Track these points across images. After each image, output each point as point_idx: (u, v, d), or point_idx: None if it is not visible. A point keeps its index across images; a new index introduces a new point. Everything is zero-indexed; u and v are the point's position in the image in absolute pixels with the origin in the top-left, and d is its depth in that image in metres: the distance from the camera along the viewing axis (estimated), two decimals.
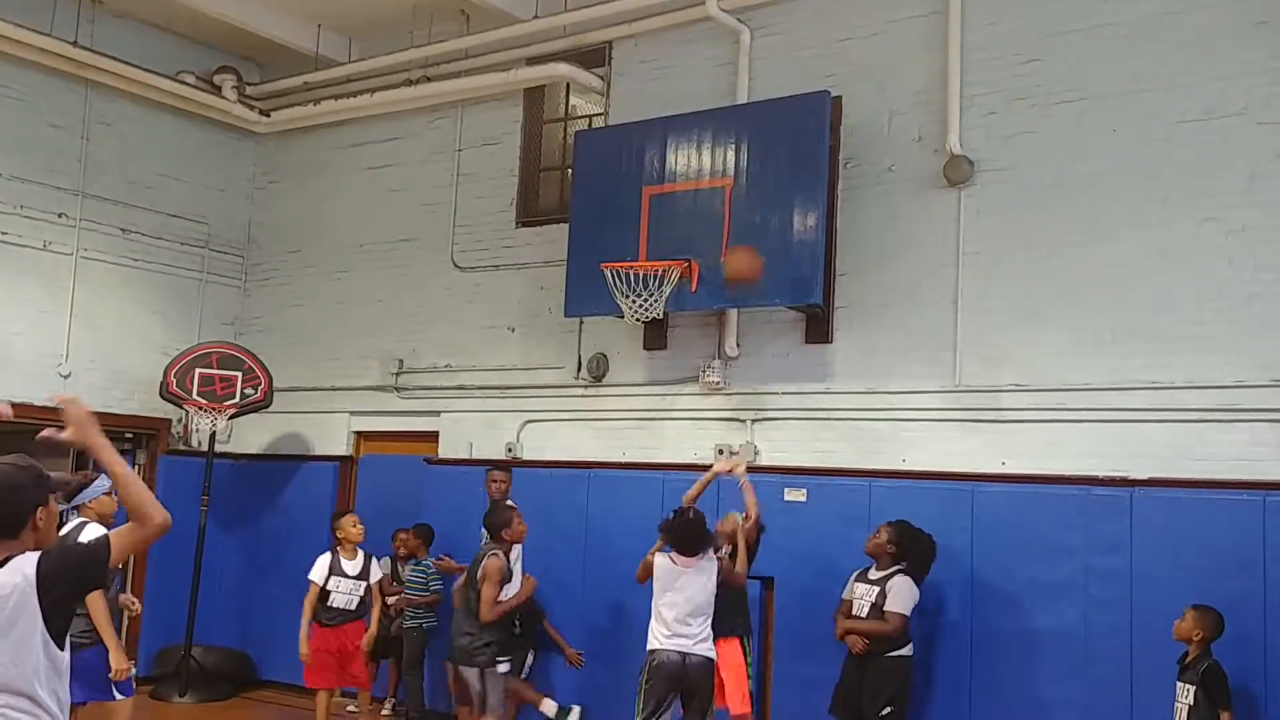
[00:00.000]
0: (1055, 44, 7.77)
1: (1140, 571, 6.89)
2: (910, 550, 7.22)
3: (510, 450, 9.77)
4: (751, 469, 8.52)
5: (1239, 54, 7.14)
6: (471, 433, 10.06)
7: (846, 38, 8.63)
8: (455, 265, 10.46)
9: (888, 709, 6.97)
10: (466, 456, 9.96)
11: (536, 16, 9.98)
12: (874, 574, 7.29)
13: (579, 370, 9.62)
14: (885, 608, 7.07)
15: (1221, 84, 7.17)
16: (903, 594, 7.09)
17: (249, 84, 11.55)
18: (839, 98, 8.45)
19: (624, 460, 9.18)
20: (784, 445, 8.57)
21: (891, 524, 7.33)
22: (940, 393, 7.96)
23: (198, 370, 10.30)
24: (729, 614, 7.30)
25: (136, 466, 11.01)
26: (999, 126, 7.92)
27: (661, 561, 7.02)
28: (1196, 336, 7.06)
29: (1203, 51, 7.25)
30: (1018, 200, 7.80)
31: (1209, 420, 6.96)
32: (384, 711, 9.74)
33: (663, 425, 9.14)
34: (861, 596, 7.24)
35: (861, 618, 7.17)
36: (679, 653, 6.86)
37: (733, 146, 8.43)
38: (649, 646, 6.98)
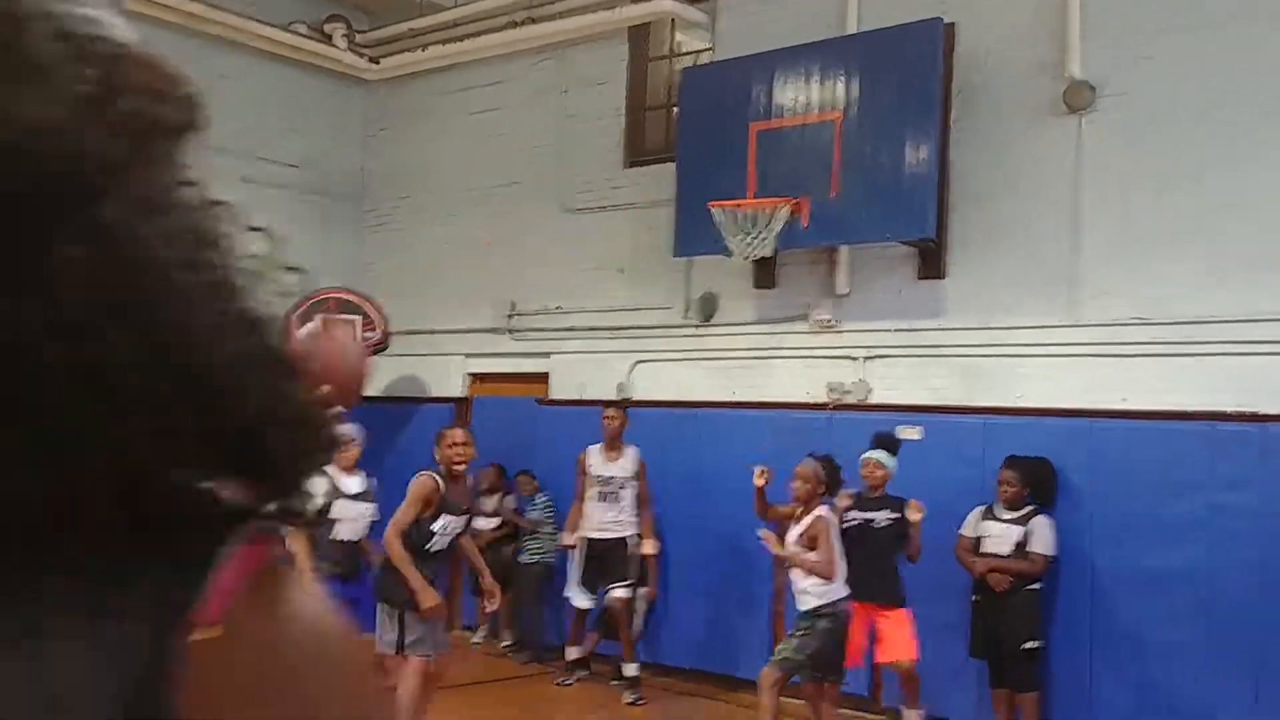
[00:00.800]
0: None
1: (1270, 509, 6.68)
2: (1040, 485, 7.21)
3: (621, 390, 9.84)
4: (863, 406, 8.49)
5: None
6: (582, 373, 10.16)
7: None
8: (563, 207, 10.51)
9: (1033, 642, 7.01)
10: (578, 397, 10.07)
11: None
12: (1006, 514, 7.24)
13: (687, 310, 9.62)
14: (1031, 548, 7.07)
15: None
16: (1046, 534, 7.15)
17: (358, 31, 11.69)
18: (952, 25, 8.21)
19: (734, 399, 9.18)
20: (896, 383, 8.48)
21: (1011, 464, 7.24)
22: (1057, 328, 7.77)
23: (318, 315, 10.56)
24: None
25: None
26: (1123, 50, 7.62)
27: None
28: None
29: None
30: (1140, 127, 7.52)
31: None
32: (474, 641, 10.03)
33: (771, 364, 9.10)
34: (998, 535, 7.21)
35: (1001, 555, 7.16)
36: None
37: (842, 79, 8.28)
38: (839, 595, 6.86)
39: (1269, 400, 6.85)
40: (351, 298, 10.82)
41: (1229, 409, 6.96)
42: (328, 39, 11.37)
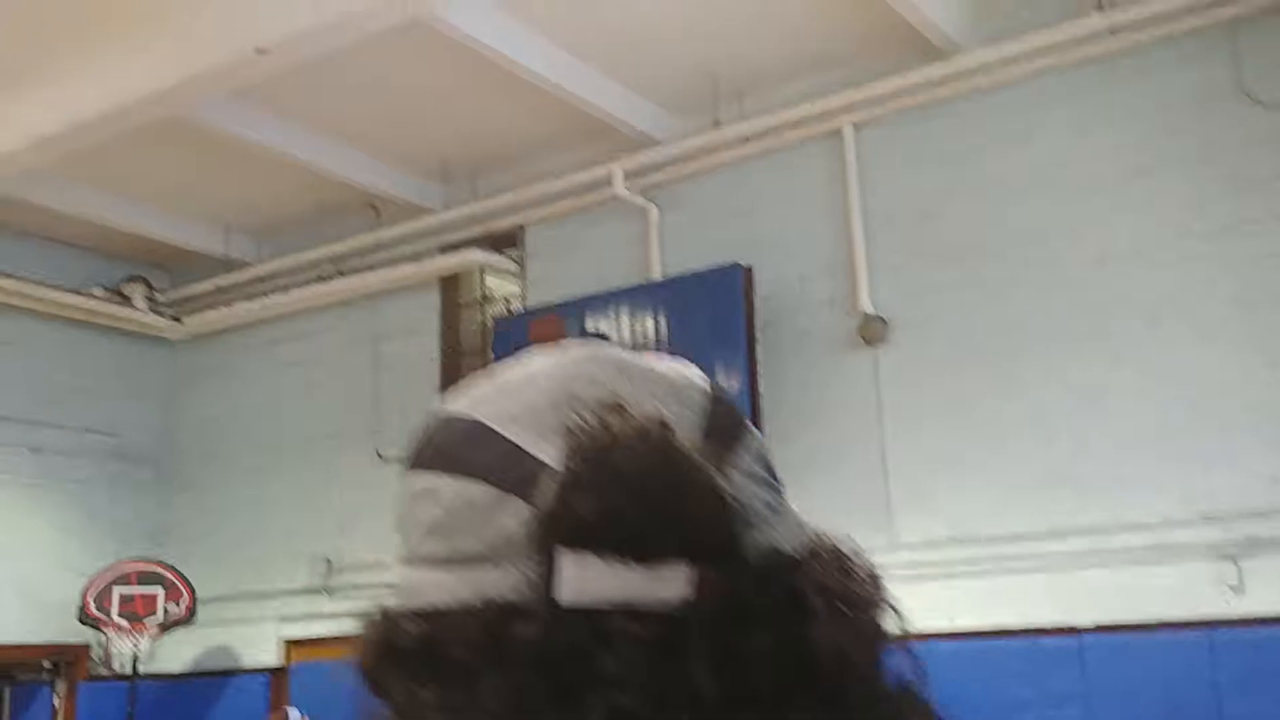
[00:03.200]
0: (951, 202, 8.03)
1: None
2: None
3: None
4: None
5: (1124, 202, 7.43)
6: None
7: (751, 208, 8.85)
8: (380, 457, 10.31)
9: None
10: None
11: (446, 207, 10.10)
12: None
13: None
14: None
15: (1111, 231, 7.45)
16: None
17: (159, 291, 11.48)
18: (750, 268, 8.61)
19: None
20: None
21: None
22: (879, 552, 7.86)
23: (116, 590, 9.91)
24: None
25: (55, 697, 10.49)
26: (907, 285, 8.11)
27: None
28: (1118, 478, 7.15)
29: (1091, 201, 7.54)
30: (932, 355, 7.95)
31: (1144, 561, 7.00)
32: None
33: None
34: None
35: None
36: None
37: (651, 322, 8.52)
38: None
39: (1083, 612, 7.07)
40: (153, 568, 10.23)
41: (1047, 624, 7.15)
42: (127, 300, 11.11)
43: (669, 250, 9.14)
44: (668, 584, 0.59)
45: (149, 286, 11.28)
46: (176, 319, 11.34)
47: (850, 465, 8.11)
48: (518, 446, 0.66)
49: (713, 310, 8.32)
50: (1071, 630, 7.04)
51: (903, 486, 7.90)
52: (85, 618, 9.92)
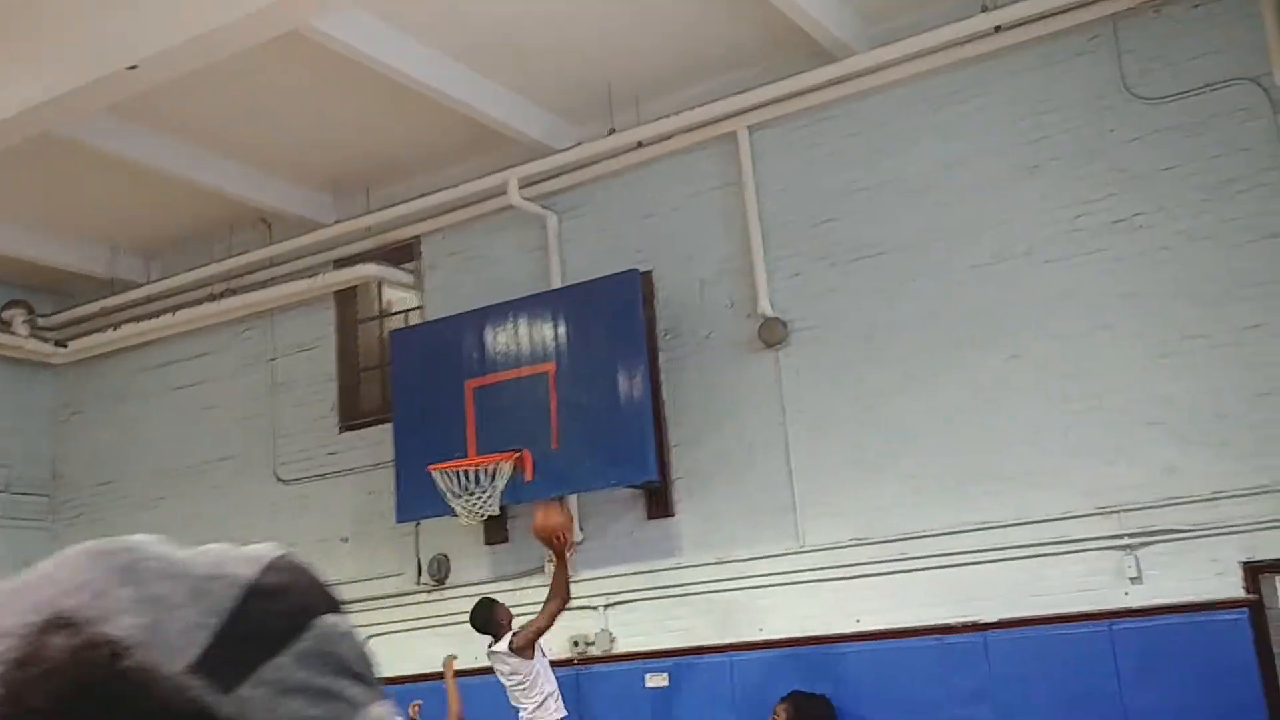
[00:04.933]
0: (847, 203, 8.04)
1: (1005, 718, 6.85)
2: None
3: None
4: (609, 657, 8.28)
5: (1017, 199, 7.50)
6: None
7: (649, 214, 8.78)
8: (278, 479, 10.04)
9: None
10: None
11: (340, 220, 9.87)
12: None
13: (420, 574, 9.25)
14: None
15: (1005, 228, 7.51)
16: None
17: (41, 315, 11.05)
18: (649, 272, 8.54)
19: (474, 665, 8.76)
20: (641, 628, 8.35)
21: (786, 699, 7.17)
22: (786, 555, 7.90)
23: None
24: None
25: None
26: (805, 286, 8.11)
27: None
28: (1020, 473, 7.21)
29: (984, 199, 7.60)
30: (833, 356, 7.94)
31: (1045, 554, 7.07)
32: None
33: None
34: None
35: None
36: None
37: (551, 330, 8.41)
38: None
39: (987, 608, 7.12)
40: None
41: (954, 621, 7.18)
42: (7, 326, 10.67)
43: (569, 258, 9.03)
44: None
45: (30, 311, 10.85)
46: (61, 344, 10.92)
47: (755, 469, 8.08)
48: None
49: (613, 317, 8.23)
50: (976, 626, 7.08)
51: (807, 489, 7.88)
52: None
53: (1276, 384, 6.66)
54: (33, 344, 10.74)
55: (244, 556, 0.58)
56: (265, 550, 0.59)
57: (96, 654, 0.49)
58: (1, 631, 0.52)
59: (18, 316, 10.71)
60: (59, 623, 0.50)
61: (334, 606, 0.59)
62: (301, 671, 0.55)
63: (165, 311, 10.53)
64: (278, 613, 0.56)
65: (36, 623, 0.51)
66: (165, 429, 10.75)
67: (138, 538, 0.58)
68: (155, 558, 0.57)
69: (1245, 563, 6.60)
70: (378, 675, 0.59)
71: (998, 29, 7.53)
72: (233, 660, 0.52)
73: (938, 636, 7.17)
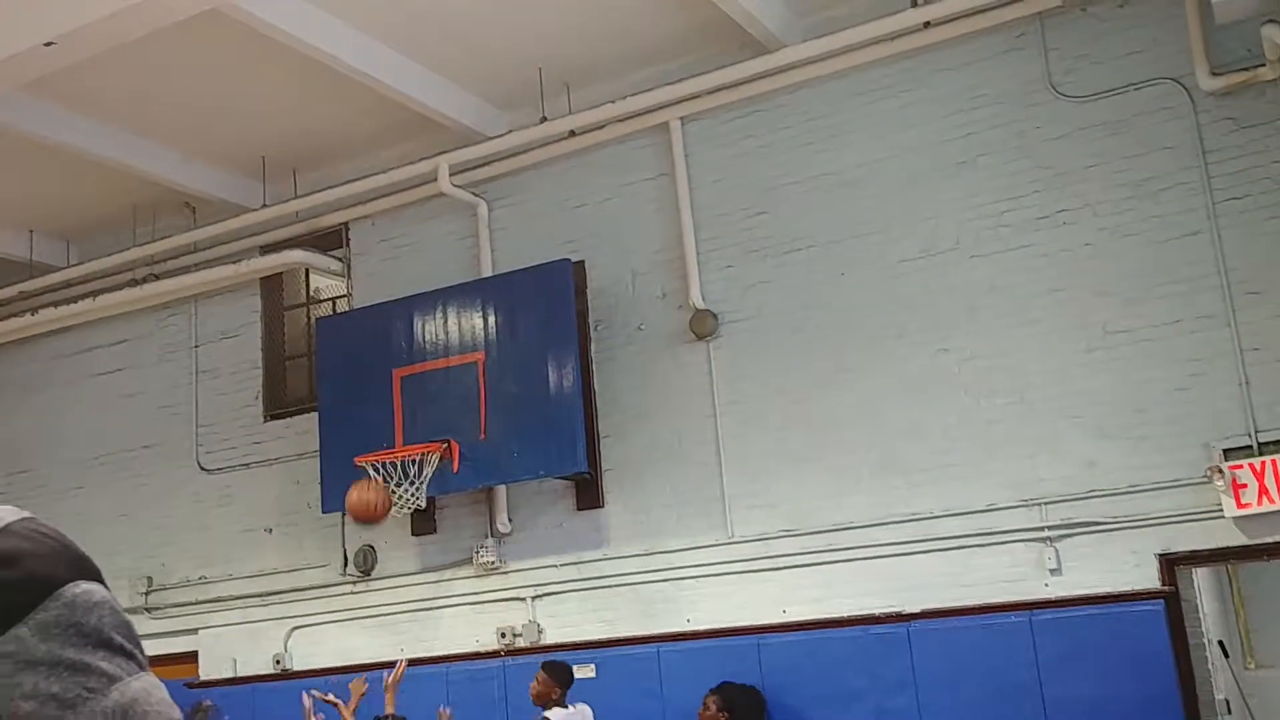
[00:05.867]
0: (778, 196, 8.05)
1: (927, 708, 6.91)
2: (746, 712, 7.09)
3: (279, 662, 9.11)
4: (537, 649, 8.23)
5: (945, 194, 7.56)
6: (234, 648, 9.35)
7: (581, 204, 8.73)
8: (201, 468, 9.85)
9: None
10: (231, 676, 9.23)
11: (266, 205, 9.70)
12: None
13: (345, 565, 9.12)
14: None
15: (933, 223, 7.56)
16: None
17: None
18: (581, 262, 8.49)
19: (401, 657, 8.66)
20: (567, 620, 8.31)
21: (715, 690, 7.15)
22: (715, 546, 7.90)
23: None
24: None
25: None
26: (737, 279, 8.11)
27: None
28: (946, 465, 7.28)
29: (912, 194, 7.65)
30: (763, 348, 7.95)
31: (969, 546, 7.14)
32: None
33: (439, 615, 8.72)
34: None
35: None
36: None
37: (481, 320, 8.32)
38: None
39: (912, 598, 7.18)
40: None
41: (877, 611, 7.23)
42: None
43: (499, 247, 8.95)
44: None
45: None
46: None
47: (686, 461, 8.07)
48: None
49: (544, 306, 8.17)
50: (900, 617, 7.14)
51: (737, 481, 7.89)
52: None
53: (1194, 379, 6.78)
54: None
55: None
56: (2, 513, 0.53)
57: None
58: None
59: None
60: None
61: (85, 574, 0.53)
62: (44, 644, 0.50)
63: (85, 296, 10.28)
64: (12, 582, 0.51)
65: None
66: (84, 417, 10.51)
67: None
68: None
69: (1162, 555, 6.72)
70: (139, 646, 0.53)
71: (927, 25, 7.58)
72: None
73: (863, 627, 7.22)
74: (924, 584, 7.18)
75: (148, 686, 0.51)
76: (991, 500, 7.13)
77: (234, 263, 9.74)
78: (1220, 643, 8.09)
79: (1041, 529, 6.99)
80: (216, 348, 10.03)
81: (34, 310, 10.44)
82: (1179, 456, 6.73)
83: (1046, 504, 7.00)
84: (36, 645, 0.49)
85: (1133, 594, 6.69)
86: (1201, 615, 6.96)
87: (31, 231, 10.40)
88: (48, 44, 6.67)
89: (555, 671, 7.00)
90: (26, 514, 0.53)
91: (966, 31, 7.53)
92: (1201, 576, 7.37)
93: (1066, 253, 7.22)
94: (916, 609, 7.13)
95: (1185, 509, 6.68)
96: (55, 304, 10.40)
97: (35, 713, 0.48)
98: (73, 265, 10.52)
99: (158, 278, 10.11)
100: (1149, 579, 6.72)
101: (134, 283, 10.16)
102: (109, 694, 0.50)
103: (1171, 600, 6.61)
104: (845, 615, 7.33)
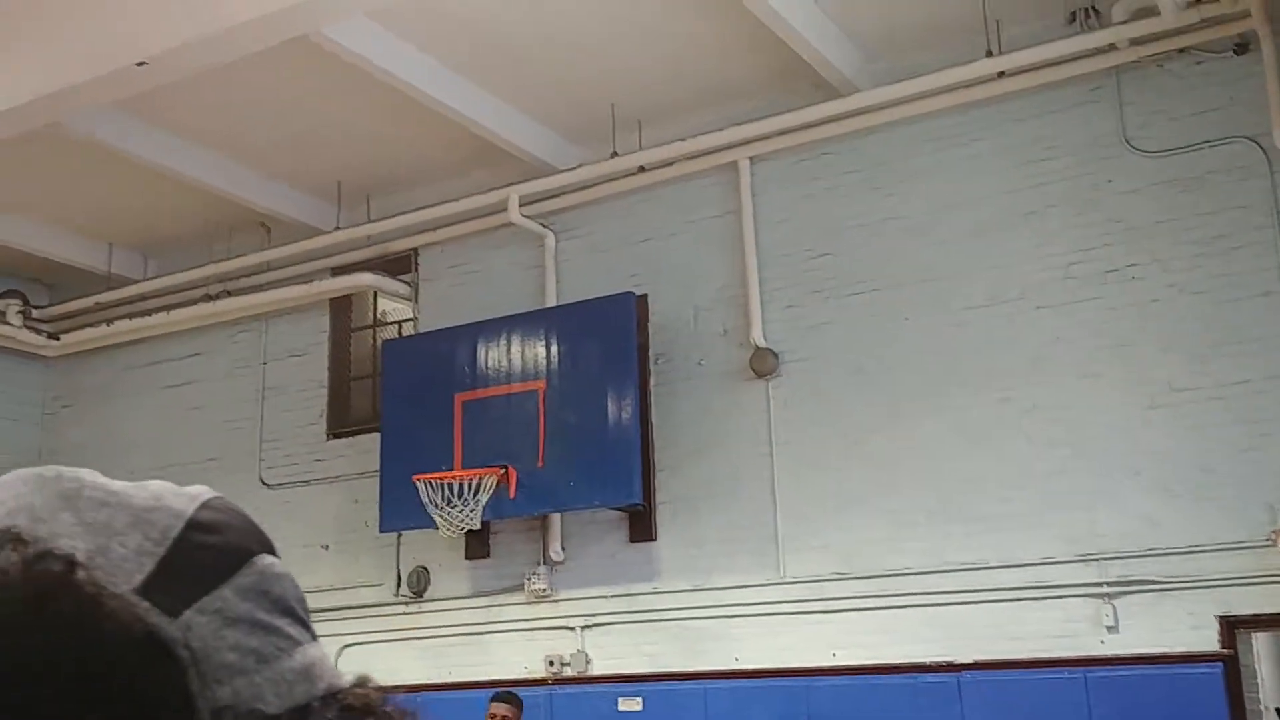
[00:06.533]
0: (843, 238, 8.09)
1: None
2: None
3: None
4: (583, 679, 8.26)
5: (1012, 243, 7.55)
6: None
7: (647, 239, 8.82)
8: (263, 483, 10.02)
9: None
10: None
11: (339, 228, 9.90)
12: None
13: (399, 586, 9.22)
14: None
15: (999, 271, 7.55)
16: None
17: (36, 307, 11.05)
18: (644, 296, 8.57)
19: (449, 680, 8.74)
20: (616, 651, 8.33)
21: None
22: (766, 585, 7.89)
23: None
24: None
25: None
26: (799, 319, 8.14)
27: None
28: (1003, 515, 7.22)
29: (979, 241, 7.64)
30: (823, 389, 7.96)
31: (1024, 599, 7.07)
32: None
33: (488, 640, 8.78)
34: None
35: None
36: None
37: (543, 349, 8.42)
38: None
39: (964, 648, 7.12)
40: None
41: (929, 660, 7.18)
42: (1, 316, 10.67)
43: (564, 278, 9.06)
44: None
45: (25, 302, 10.85)
46: (54, 336, 10.92)
47: (740, 499, 8.09)
48: None
49: (605, 338, 8.25)
50: (952, 667, 7.08)
51: (791, 521, 7.88)
52: None
53: (1260, 440, 6.69)
54: (26, 335, 10.75)
55: (182, 493, 0.60)
56: (200, 490, 0.61)
57: (49, 565, 0.49)
58: None
59: (12, 307, 10.71)
60: (7, 536, 0.51)
61: (269, 548, 0.60)
62: (243, 604, 0.56)
63: (160, 310, 10.54)
64: (217, 547, 0.58)
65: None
66: (152, 427, 10.74)
67: (77, 469, 0.60)
68: (95, 487, 0.58)
69: (1222, 617, 6.61)
70: (310, 618, 0.60)
71: (1002, 74, 7.60)
72: (176, 588, 0.54)
73: (912, 675, 7.16)
74: (977, 634, 7.12)
75: (322, 653, 0.58)
76: (1048, 553, 7.07)
77: (305, 283, 9.95)
78: (1277, 709, 7.92)
79: (1099, 585, 6.91)
80: (284, 365, 10.23)
81: (109, 321, 10.73)
82: (1242, 518, 6.64)
83: (1105, 559, 6.92)
84: (238, 604, 0.55)
85: (1190, 656, 6.59)
86: (1260, 680, 6.83)
87: (111, 244, 10.69)
88: (140, 64, 6.90)
89: (516, 700, 7.10)
90: (218, 493, 0.61)
91: (1041, 83, 7.54)
92: (1260, 641, 7.23)
93: (1134, 307, 7.17)
94: (968, 659, 7.07)
95: (1246, 571, 6.58)
96: (130, 316, 10.67)
97: (238, 663, 0.53)
98: (149, 279, 10.78)
99: (230, 294, 10.34)
100: (1207, 641, 6.61)
101: (207, 298, 10.40)
102: (294, 655, 0.56)
103: (1230, 664, 6.49)
104: (896, 662, 7.28)
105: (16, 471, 0.59)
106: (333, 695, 0.57)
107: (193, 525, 0.58)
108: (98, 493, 0.58)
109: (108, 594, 0.50)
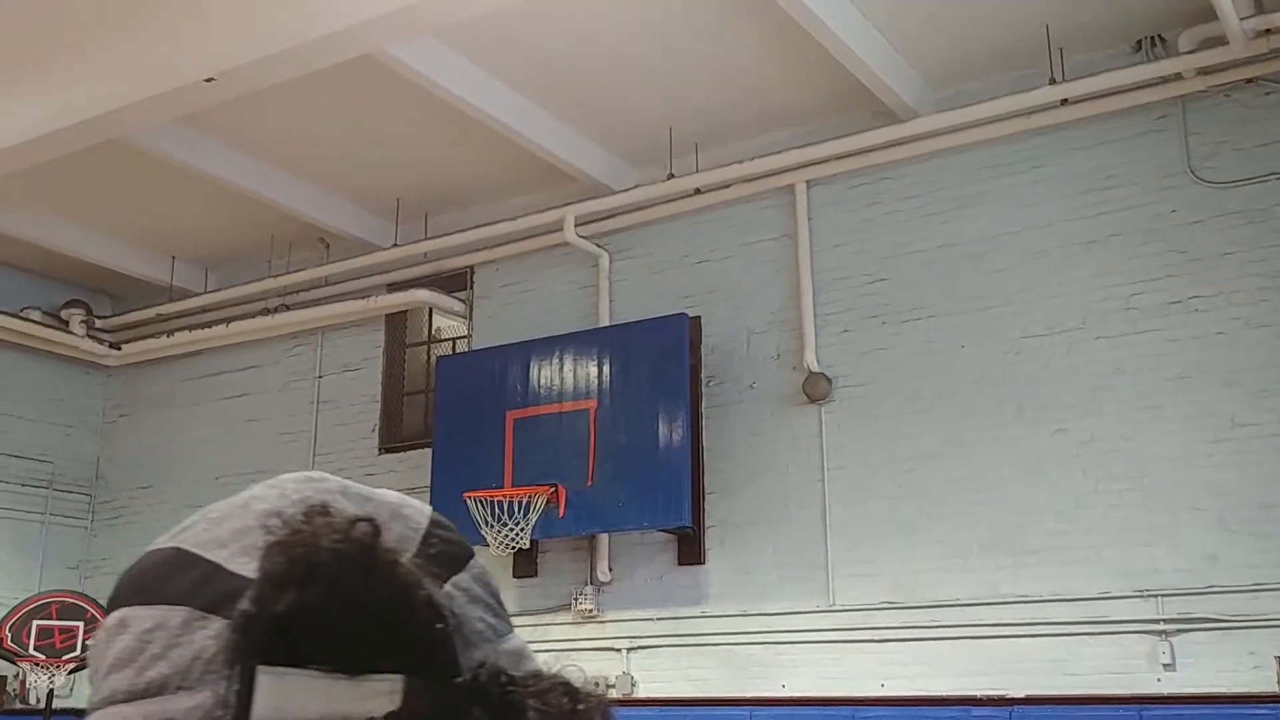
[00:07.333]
0: (900, 264, 8.04)
1: None
2: None
3: None
4: (628, 701, 8.22)
5: (1072, 272, 7.46)
6: None
7: (702, 260, 8.82)
8: None
9: None
10: None
11: (396, 244, 9.99)
12: None
13: None
14: None
15: (1059, 300, 7.46)
16: None
17: (99, 317, 11.26)
18: (698, 318, 8.56)
19: None
20: (661, 674, 8.29)
21: None
22: (815, 613, 7.83)
23: (35, 622, 9.58)
24: None
25: None
26: (853, 344, 8.09)
27: None
28: (1059, 548, 7.12)
29: (1039, 270, 7.56)
30: (876, 415, 7.90)
31: (1078, 634, 6.95)
32: None
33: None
34: None
35: None
36: None
37: (595, 368, 8.44)
38: None
39: (1017, 682, 7.00)
40: (75, 601, 9.92)
41: (979, 693, 7.07)
42: (64, 325, 10.88)
43: (618, 298, 9.07)
44: (375, 699, 0.53)
45: (88, 312, 11.06)
46: (115, 346, 11.11)
47: (790, 524, 8.03)
48: (220, 567, 0.61)
49: (658, 359, 8.25)
50: (1003, 700, 6.96)
51: (842, 547, 7.82)
52: (2, 650, 9.59)
53: None
54: (88, 344, 10.94)
55: (414, 502, 0.70)
56: (423, 504, 0.71)
57: (362, 528, 0.55)
58: (270, 511, 0.60)
59: (75, 316, 10.91)
60: (319, 509, 0.57)
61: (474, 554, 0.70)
62: (478, 588, 0.66)
63: (219, 322, 10.69)
64: (455, 542, 0.67)
65: (297, 510, 0.57)
66: (208, 438, 10.88)
67: (326, 475, 0.69)
68: (354, 487, 0.68)
69: None
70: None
71: (1064, 102, 7.53)
72: (435, 568, 0.60)
73: (963, 708, 7.05)
74: (1029, 669, 7.01)
75: (523, 644, 0.68)
76: (1105, 588, 6.94)
77: (362, 298, 10.05)
78: None
79: (1156, 621, 6.77)
80: (338, 379, 10.33)
81: (170, 333, 10.90)
82: None
83: (1163, 596, 6.79)
84: (475, 588, 0.65)
85: (1250, 696, 6.43)
86: None
87: (173, 257, 10.86)
88: (208, 80, 7.02)
89: None
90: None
91: (1105, 111, 7.46)
92: None
93: (1197, 340, 7.05)
94: (1021, 694, 6.95)
95: None
96: (190, 328, 10.84)
97: (484, 632, 0.63)
98: (210, 291, 10.94)
99: (289, 308, 10.47)
100: (1267, 681, 6.45)
101: (266, 312, 10.54)
102: (513, 636, 0.67)
103: None
104: (945, 694, 7.18)
105: (285, 475, 0.69)
106: (541, 668, 0.64)
107: (435, 524, 0.68)
108: (359, 490, 0.68)
109: (401, 557, 0.57)
